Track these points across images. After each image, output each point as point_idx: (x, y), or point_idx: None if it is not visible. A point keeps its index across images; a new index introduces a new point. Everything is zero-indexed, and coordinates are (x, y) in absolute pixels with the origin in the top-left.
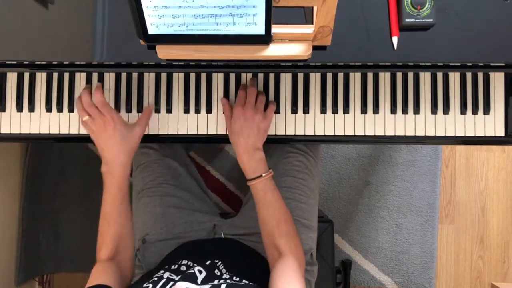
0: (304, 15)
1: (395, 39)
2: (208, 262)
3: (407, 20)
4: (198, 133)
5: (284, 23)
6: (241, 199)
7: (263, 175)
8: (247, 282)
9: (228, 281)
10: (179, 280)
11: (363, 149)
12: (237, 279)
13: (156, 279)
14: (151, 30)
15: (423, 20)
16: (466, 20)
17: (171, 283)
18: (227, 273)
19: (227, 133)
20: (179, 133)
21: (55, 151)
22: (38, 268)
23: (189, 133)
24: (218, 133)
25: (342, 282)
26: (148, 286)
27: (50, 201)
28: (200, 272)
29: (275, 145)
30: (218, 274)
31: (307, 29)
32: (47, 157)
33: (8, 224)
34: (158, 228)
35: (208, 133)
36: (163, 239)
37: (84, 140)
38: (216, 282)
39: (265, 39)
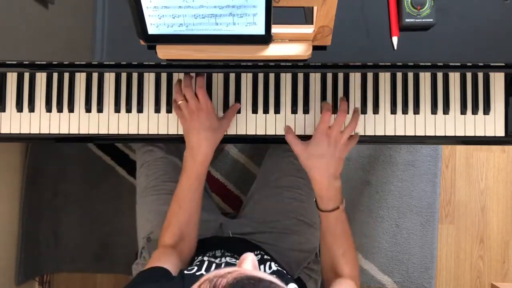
0: (304, 15)
1: (395, 39)
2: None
3: (407, 20)
4: None
5: (284, 23)
6: (241, 199)
7: (340, 206)
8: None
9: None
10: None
11: (363, 149)
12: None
13: (198, 263)
14: (151, 30)
15: (423, 20)
16: (466, 20)
17: (214, 265)
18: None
19: (300, 159)
20: (179, 133)
21: (55, 151)
22: (38, 268)
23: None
24: None
25: None
26: (193, 268)
27: (50, 201)
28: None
29: (272, 145)
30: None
31: (307, 29)
32: (47, 157)
33: (8, 224)
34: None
35: None
36: None
37: (84, 140)
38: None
39: (265, 39)
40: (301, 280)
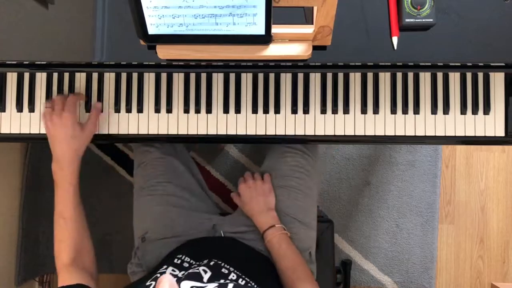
0: (304, 15)
1: (395, 39)
2: (212, 263)
3: (407, 20)
4: (198, 133)
5: (284, 23)
6: None
7: (276, 225)
8: (253, 284)
9: (235, 282)
10: (184, 279)
11: (363, 149)
12: (243, 282)
13: (159, 275)
14: (151, 30)
15: (423, 20)
16: (466, 20)
17: (175, 279)
18: (234, 271)
19: (242, 209)
20: (179, 133)
21: None
22: (38, 268)
23: (189, 133)
24: (218, 133)
25: (342, 282)
26: (151, 284)
27: (50, 201)
28: (205, 272)
29: (272, 145)
30: (226, 272)
31: (307, 29)
32: (47, 157)
33: (8, 224)
34: (158, 227)
35: (208, 133)
36: (162, 237)
37: None
38: (222, 281)
39: (265, 39)
40: None
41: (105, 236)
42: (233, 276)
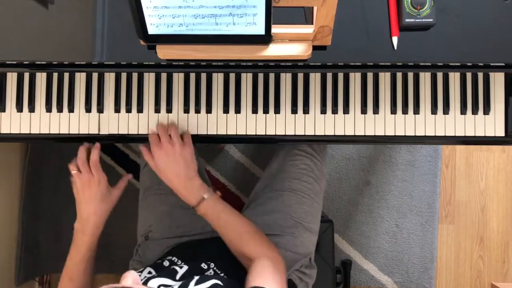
0: (304, 15)
1: (395, 39)
2: (202, 264)
3: (407, 20)
4: (198, 133)
5: (284, 23)
6: (241, 199)
7: (205, 196)
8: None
9: (207, 273)
10: (157, 276)
11: (363, 149)
12: (222, 274)
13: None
14: (151, 30)
15: (423, 20)
16: (466, 20)
17: (148, 277)
18: (214, 268)
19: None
20: (179, 133)
21: (55, 151)
22: (38, 268)
23: (189, 133)
24: (218, 133)
25: (342, 282)
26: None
27: (50, 201)
28: (181, 267)
29: (281, 146)
30: (205, 267)
31: (307, 29)
32: (47, 157)
33: (8, 224)
34: (162, 227)
35: (208, 133)
36: (165, 237)
37: (84, 140)
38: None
39: (265, 39)
40: (292, 282)
41: (105, 236)
42: (211, 272)
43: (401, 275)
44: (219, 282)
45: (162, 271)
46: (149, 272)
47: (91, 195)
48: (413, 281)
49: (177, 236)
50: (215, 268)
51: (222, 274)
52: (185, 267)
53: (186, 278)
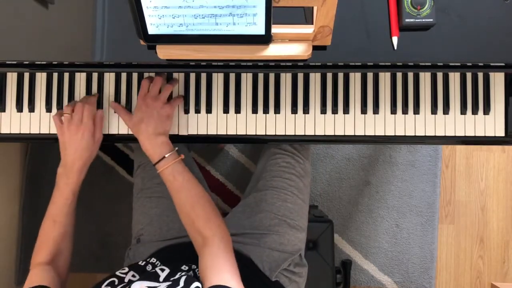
0: (304, 15)
1: (395, 39)
2: (183, 266)
3: (407, 20)
4: (198, 133)
5: (284, 23)
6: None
7: (166, 155)
8: None
9: (187, 273)
10: (140, 279)
11: (363, 149)
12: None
13: (116, 280)
14: (151, 30)
15: (423, 20)
16: (466, 20)
17: (116, 281)
18: (196, 269)
19: (131, 131)
20: (180, 133)
21: (55, 151)
22: None
23: (189, 133)
24: (218, 133)
25: (342, 282)
26: (105, 282)
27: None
28: (162, 270)
29: (264, 147)
30: (186, 269)
31: (307, 29)
32: (47, 157)
33: (8, 224)
34: (152, 230)
35: (208, 133)
36: (156, 240)
37: None
38: (177, 276)
39: (265, 39)
40: (280, 283)
41: (104, 236)
42: (191, 274)
43: (401, 275)
44: (199, 285)
45: (144, 274)
46: (133, 276)
47: (76, 143)
48: (413, 281)
49: (167, 240)
50: (196, 270)
51: None
52: (167, 270)
53: (169, 278)
